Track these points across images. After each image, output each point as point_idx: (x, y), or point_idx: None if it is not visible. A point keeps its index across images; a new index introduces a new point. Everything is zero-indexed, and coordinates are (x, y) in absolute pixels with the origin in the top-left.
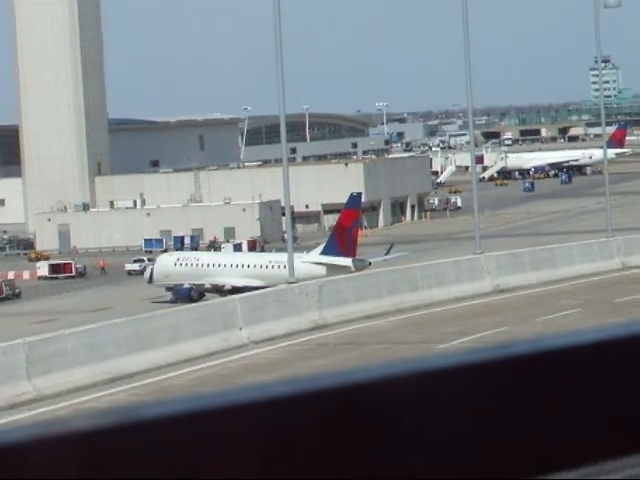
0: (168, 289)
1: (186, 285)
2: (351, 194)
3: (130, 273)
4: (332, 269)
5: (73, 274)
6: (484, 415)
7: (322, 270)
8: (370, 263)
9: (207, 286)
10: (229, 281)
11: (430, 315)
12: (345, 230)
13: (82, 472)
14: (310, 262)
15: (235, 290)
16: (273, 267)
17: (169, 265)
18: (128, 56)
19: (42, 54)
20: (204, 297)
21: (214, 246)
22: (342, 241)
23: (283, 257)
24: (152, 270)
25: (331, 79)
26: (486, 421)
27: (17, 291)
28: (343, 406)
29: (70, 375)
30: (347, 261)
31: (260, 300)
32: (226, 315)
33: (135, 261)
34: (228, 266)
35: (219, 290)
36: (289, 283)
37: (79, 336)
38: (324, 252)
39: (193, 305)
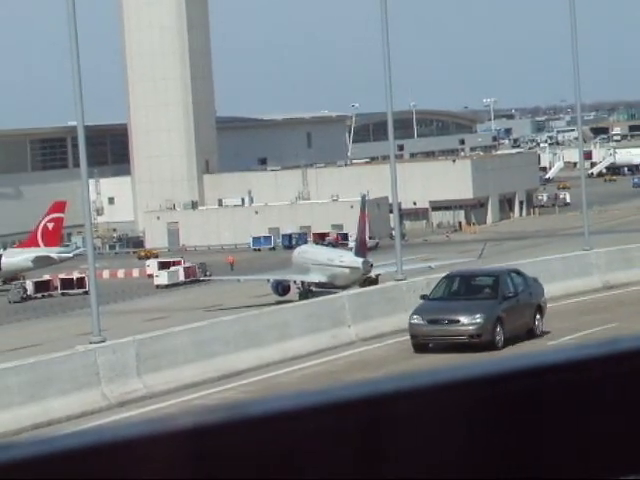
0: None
1: (277, 280)
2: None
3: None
4: (352, 271)
5: None
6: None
7: (345, 271)
8: (372, 265)
9: (277, 279)
10: (303, 277)
11: None
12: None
13: (190, 469)
14: (334, 265)
15: (311, 286)
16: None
17: (294, 257)
18: (235, 54)
19: (150, 52)
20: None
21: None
22: (361, 242)
23: (346, 255)
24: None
25: (438, 75)
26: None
27: (208, 274)
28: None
29: (179, 372)
30: (358, 262)
31: (368, 297)
32: (334, 312)
33: None
34: (316, 261)
35: (301, 285)
36: (397, 280)
37: (188, 333)
38: (355, 253)
39: (301, 302)
